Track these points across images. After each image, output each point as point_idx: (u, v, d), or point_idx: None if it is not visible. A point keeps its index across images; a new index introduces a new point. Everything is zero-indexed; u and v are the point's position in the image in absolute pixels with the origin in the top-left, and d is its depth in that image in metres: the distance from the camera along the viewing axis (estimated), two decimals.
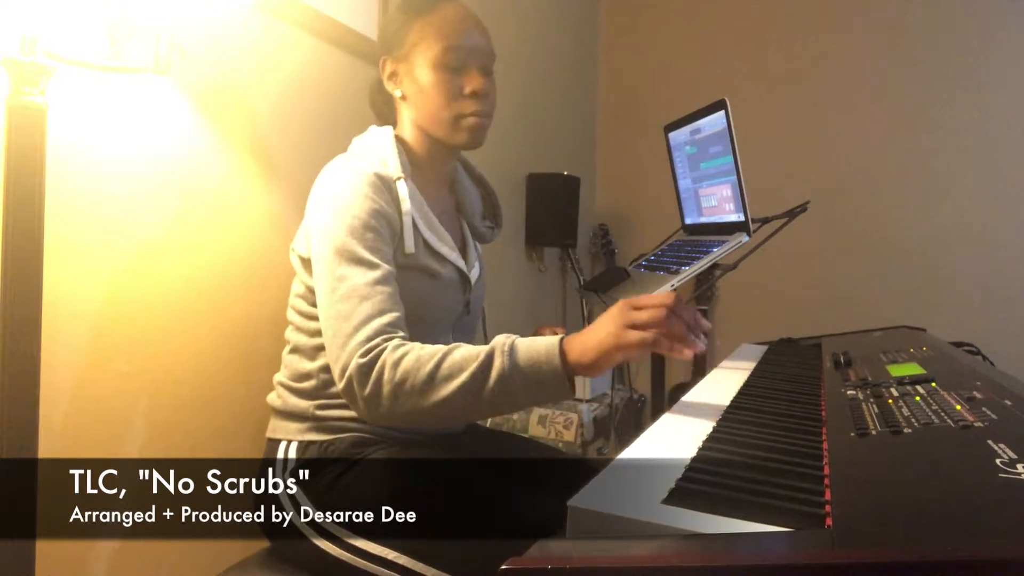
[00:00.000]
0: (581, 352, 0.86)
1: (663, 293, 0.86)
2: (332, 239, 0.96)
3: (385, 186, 1.03)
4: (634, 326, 0.84)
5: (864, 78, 2.55)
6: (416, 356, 0.87)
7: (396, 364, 0.87)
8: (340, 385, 0.89)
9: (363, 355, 0.88)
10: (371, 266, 0.95)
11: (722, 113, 1.32)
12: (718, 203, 1.42)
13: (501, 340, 0.88)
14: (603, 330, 0.86)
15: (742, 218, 1.32)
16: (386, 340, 0.90)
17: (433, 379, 0.86)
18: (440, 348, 0.89)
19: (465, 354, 0.87)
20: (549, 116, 2.59)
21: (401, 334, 0.92)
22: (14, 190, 0.86)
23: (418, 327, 0.98)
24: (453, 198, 1.25)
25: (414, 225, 1.06)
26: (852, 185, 2.57)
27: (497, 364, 0.86)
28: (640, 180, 2.90)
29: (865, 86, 2.55)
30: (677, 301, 0.85)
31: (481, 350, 0.87)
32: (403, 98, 1.14)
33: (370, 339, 0.89)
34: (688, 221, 1.62)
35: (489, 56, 1.14)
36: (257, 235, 1.35)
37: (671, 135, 1.59)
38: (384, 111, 1.20)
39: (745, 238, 1.30)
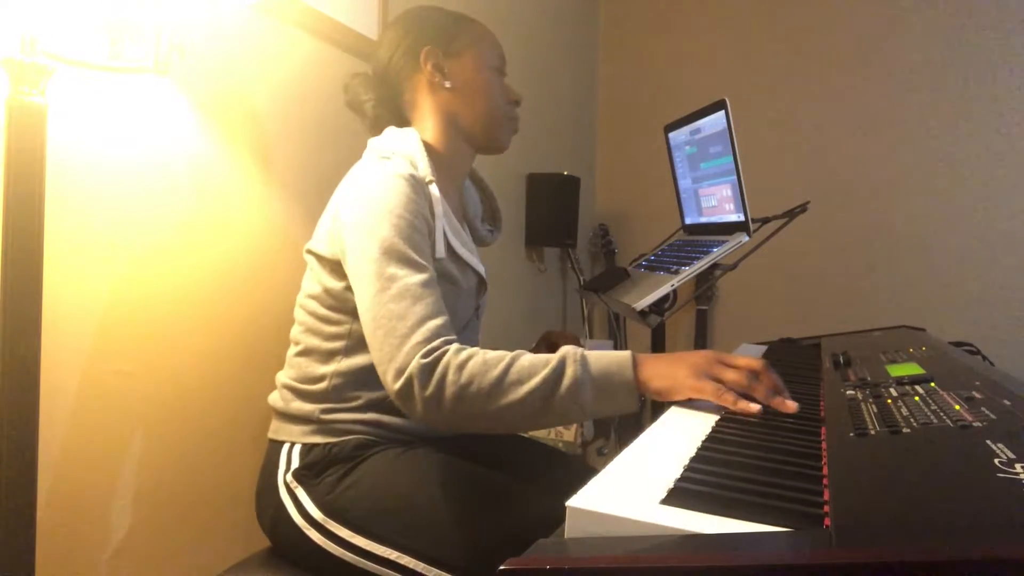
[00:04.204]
0: (654, 375, 0.86)
1: (754, 357, 0.87)
2: (378, 239, 0.95)
3: (421, 188, 1.03)
4: (716, 379, 0.85)
5: (864, 78, 2.55)
6: (483, 360, 0.86)
7: (461, 366, 0.86)
8: (396, 386, 0.87)
9: (425, 355, 0.86)
10: (420, 268, 0.95)
11: (722, 113, 1.32)
12: (718, 203, 1.42)
13: (571, 350, 0.88)
14: (684, 368, 0.86)
15: (742, 218, 1.32)
16: (446, 343, 0.89)
17: (501, 383, 0.85)
18: (506, 353, 0.88)
19: (534, 360, 0.87)
20: (549, 116, 2.59)
21: (455, 336, 0.92)
22: (14, 190, 0.86)
23: None
24: (460, 202, 1.26)
25: (443, 231, 1.06)
26: (852, 185, 2.57)
27: (570, 372, 0.85)
28: (640, 180, 2.90)
29: (866, 86, 2.55)
30: (765, 366, 0.86)
31: (550, 357, 0.87)
32: (450, 89, 1.14)
33: (429, 340, 0.88)
34: (688, 221, 1.62)
35: None
36: (257, 235, 1.36)
37: (671, 135, 1.59)
38: (380, 110, 1.17)
39: (745, 238, 1.30)
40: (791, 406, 0.82)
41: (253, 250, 1.34)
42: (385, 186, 1.00)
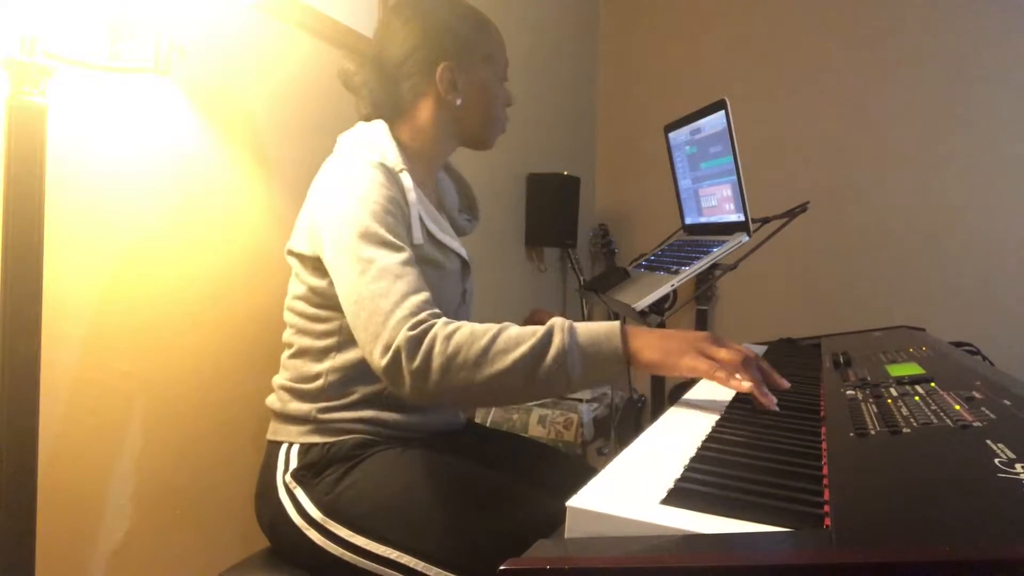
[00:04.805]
0: (645, 345, 0.86)
1: (748, 348, 0.88)
2: (354, 225, 0.95)
3: (393, 177, 1.03)
4: (709, 357, 0.85)
5: (864, 78, 2.55)
6: (470, 330, 0.86)
7: (448, 337, 0.85)
8: (383, 362, 0.86)
9: (412, 328, 0.86)
10: (397, 248, 0.95)
11: (722, 113, 1.32)
12: (718, 203, 1.42)
13: (559, 320, 0.88)
14: (678, 341, 0.86)
15: (742, 218, 1.32)
16: (432, 316, 0.89)
17: (488, 352, 0.85)
18: (493, 325, 0.88)
19: (521, 331, 0.87)
20: (549, 116, 2.59)
21: (439, 311, 0.92)
22: (14, 190, 0.86)
23: None
24: (435, 194, 1.26)
25: (419, 217, 1.06)
26: (852, 185, 2.57)
27: (557, 340, 0.85)
28: (640, 180, 2.90)
29: (865, 86, 2.55)
30: (757, 355, 0.87)
31: (538, 328, 0.87)
32: (459, 105, 1.15)
33: (414, 313, 0.88)
34: (688, 221, 1.62)
35: None
36: (257, 235, 1.35)
37: (671, 135, 1.59)
38: (380, 104, 1.16)
39: (745, 238, 1.30)
40: (772, 401, 0.82)
41: (253, 250, 1.34)
42: (355, 176, 1.00)
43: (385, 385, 0.92)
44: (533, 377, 0.85)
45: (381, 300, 0.89)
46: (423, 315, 0.88)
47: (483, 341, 0.85)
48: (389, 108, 1.17)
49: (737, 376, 0.83)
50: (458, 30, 1.16)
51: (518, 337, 0.86)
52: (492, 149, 1.24)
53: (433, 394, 0.86)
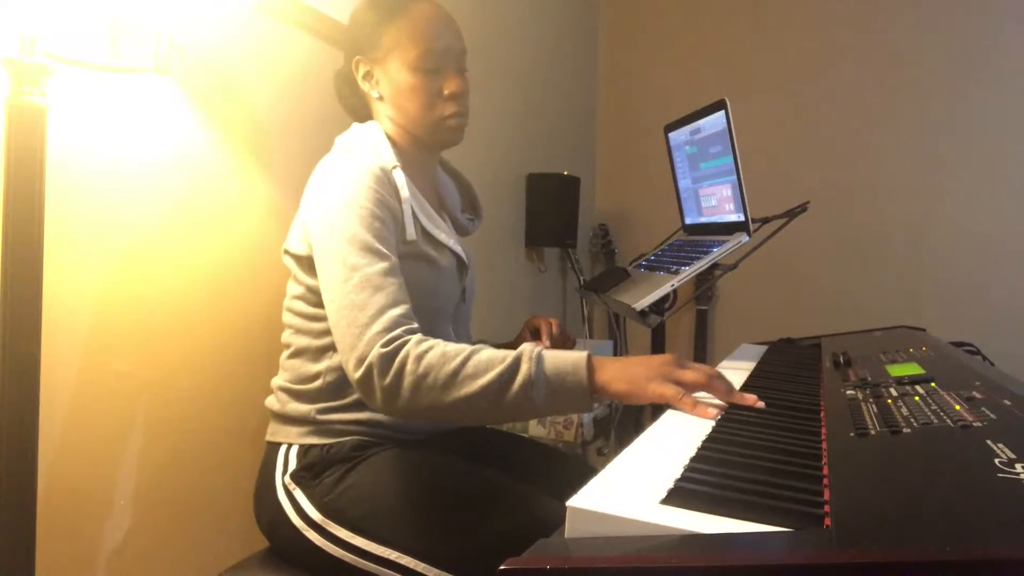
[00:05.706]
0: (612, 378, 0.86)
1: (709, 366, 0.88)
2: (341, 229, 0.96)
3: (385, 177, 1.04)
4: (675, 381, 0.85)
5: (864, 78, 2.55)
6: (441, 352, 0.87)
7: (420, 357, 0.86)
8: (356, 375, 0.88)
9: (385, 344, 0.87)
10: (381, 256, 0.96)
11: (722, 113, 1.32)
12: (718, 203, 1.42)
13: (529, 347, 0.88)
14: (643, 371, 0.86)
15: (742, 218, 1.32)
16: (407, 332, 0.90)
17: (457, 376, 0.86)
18: (465, 346, 0.89)
19: (491, 355, 0.88)
20: (549, 116, 2.59)
21: (416, 325, 0.92)
22: (14, 190, 0.86)
23: (420, 316, 0.97)
24: (435, 193, 1.26)
25: (413, 213, 1.06)
26: (851, 185, 2.57)
27: (524, 369, 0.86)
28: (640, 180, 2.90)
29: (865, 86, 2.55)
30: (719, 372, 0.87)
31: (508, 354, 0.88)
32: (380, 99, 1.14)
33: (389, 329, 0.89)
34: (688, 221, 1.62)
35: (463, 54, 1.16)
36: (257, 235, 1.35)
37: (671, 135, 1.59)
38: (354, 104, 1.21)
39: (745, 238, 1.30)
40: (751, 398, 0.84)
41: (253, 250, 1.34)
42: (346, 178, 1.01)
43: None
44: (499, 403, 0.85)
45: (359, 312, 0.90)
46: (398, 331, 0.89)
47: (453, 364, 0.86)
48: (360, 110, 1.20)
49: (703, 403, 0.83)
50: (365, 19, 1.13)
51: (488, 362, 0.87)
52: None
53: (402, 410, 0.88)
